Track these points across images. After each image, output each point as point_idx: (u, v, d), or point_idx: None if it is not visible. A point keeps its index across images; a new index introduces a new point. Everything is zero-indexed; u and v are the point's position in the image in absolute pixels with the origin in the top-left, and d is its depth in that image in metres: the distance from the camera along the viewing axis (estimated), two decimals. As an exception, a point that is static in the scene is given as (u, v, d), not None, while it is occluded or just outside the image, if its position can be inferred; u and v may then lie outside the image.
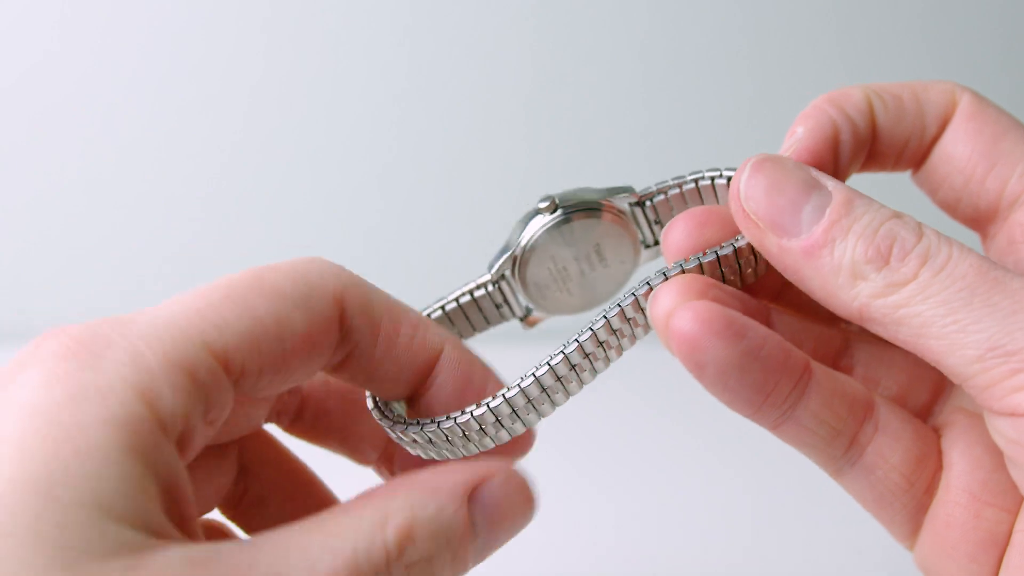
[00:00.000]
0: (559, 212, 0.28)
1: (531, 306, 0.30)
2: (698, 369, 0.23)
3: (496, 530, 0.22)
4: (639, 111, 0.69)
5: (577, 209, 0.28)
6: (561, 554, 0.47)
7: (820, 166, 0.25)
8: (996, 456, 0.24)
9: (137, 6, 0.66)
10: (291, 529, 0.19)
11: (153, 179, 0.69)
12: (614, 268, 0.30)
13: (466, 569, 0.22)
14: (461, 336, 0.30)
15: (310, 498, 0.29)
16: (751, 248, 0.25)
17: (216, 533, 0.27)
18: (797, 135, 0.26)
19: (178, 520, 0.19)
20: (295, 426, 0.28)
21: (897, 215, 0.23)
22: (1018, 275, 0.22)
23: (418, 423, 0.25)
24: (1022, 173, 0.25)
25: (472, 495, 0.22)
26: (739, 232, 0.25)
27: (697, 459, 0.54)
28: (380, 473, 0.29)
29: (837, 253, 0.22)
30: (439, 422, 0.24)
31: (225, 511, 0.28)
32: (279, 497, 0.28)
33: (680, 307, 0.23)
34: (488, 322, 0.30)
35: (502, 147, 0.70)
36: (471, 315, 0.30)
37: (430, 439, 0.25)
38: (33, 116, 0.68)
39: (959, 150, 0.26)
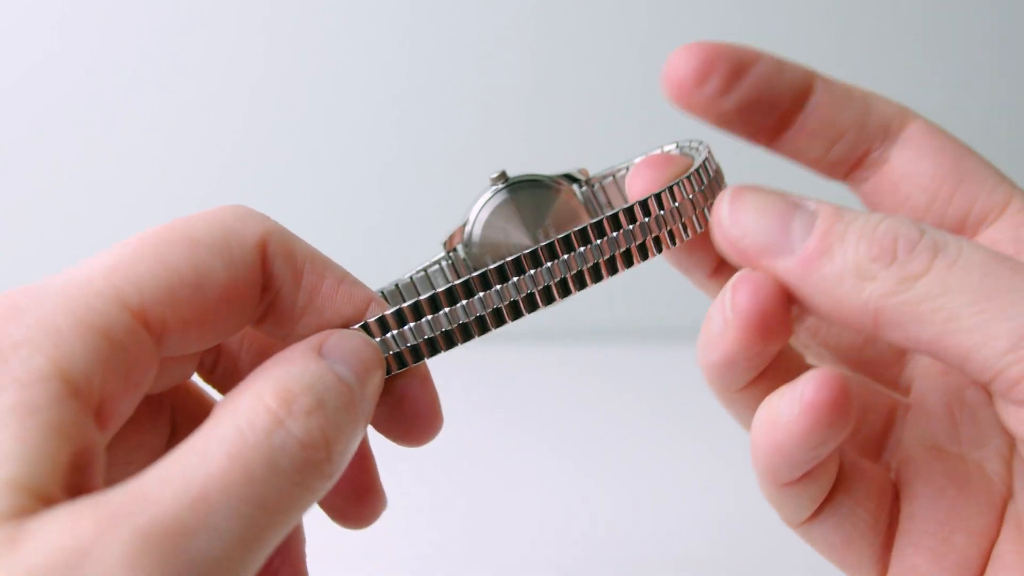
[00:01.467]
0: (507, 185, 0.28)
1: None
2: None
3: (363, 379, 0.22)
4: (639, 111, 0.69)
5: (524, 182, 0.28)
6: (559, 548, 0.48)
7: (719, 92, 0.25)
8: (961, 483, 0.25)
9: (137, 6, 0.66)
10: (176, 446, 0.19)
11: (153, 179, 0.69)
12: None
13: (366, 415, 0.22)
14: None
15: None
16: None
17: None
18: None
19: (83, 488, 0.18)
20: (210, 377, 0.27)
21: (890, 215, 0.22)
22: None
23: None
24: (992, 189, 0.25)
25: (320, 351, 0.22)
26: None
27: (691, 457, 0.54)
28: None
29: (838, 259, 0.21)
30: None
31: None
32: None
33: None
34: None
35: (502, 147, 0.70)
36: (424, 290, 0.29)
37: None
38: (33, 116, 0.68)
39: (923, 166, 0.25)
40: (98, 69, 0.67)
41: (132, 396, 0.20)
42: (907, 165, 0.26)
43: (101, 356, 0.19)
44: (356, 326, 0.23)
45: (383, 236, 0.71)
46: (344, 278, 0.24)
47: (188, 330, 0.21)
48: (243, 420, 0.19)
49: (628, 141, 0.69)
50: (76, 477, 0.18)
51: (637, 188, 0.27)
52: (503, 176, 0.28)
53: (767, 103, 0.26)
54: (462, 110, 0.69)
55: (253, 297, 0.22)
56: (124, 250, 0.20)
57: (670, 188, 0.24)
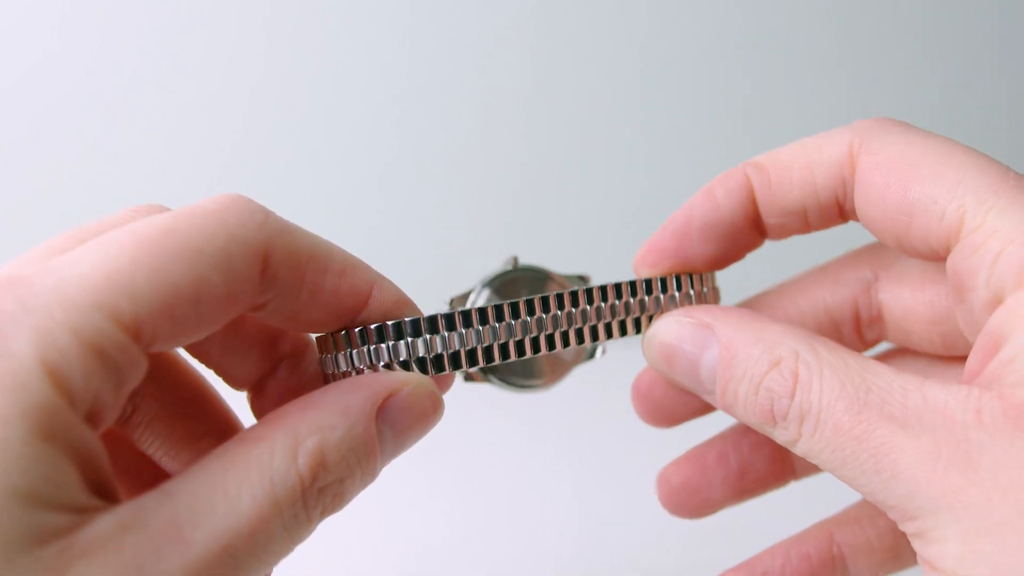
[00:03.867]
0: (516, 270, 0.31)
1: None
2: None
3: (403, 440, 0.23)
4: (639, 111, 0.69)
5: (533, 269, 0.31)
6: (555, 546, 0.48)
7: (682, 250, 0.28)
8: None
9: (137, 6, 0.66)
10: (205, 468, 0.20)
11: (153, 179, 0.69)
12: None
13: (375, 479, 0.22)
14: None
15: (202, 410, 0.27)
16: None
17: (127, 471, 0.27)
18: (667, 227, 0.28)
19: (98, 489, 0.19)
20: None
21: (775, 363, 0.23)
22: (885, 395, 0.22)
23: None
24: (941, 217, 0.23)
25: (381, 409, 0.22)
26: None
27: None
28: (251, 403, 0.27)
29: (741, 415, 0.24)
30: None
31: (115, 429, 0.27)
32: (169, 413, 0.26)
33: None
34: None
35: (502, 147, 0.70)
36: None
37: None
38: (33, 116, 0.68)
39: (873, 213, 0.25)
40: (98, 69, 0.67)
41: (120, 400, 0.20)
42: (863, 210, 0.25)
43: (96, 373, 0.19)
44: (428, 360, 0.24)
45: (383, 235, 0.71)
46: (345, 270, 0.24)
47: (179, 337, 0.21)
48: (276, 477, 0.20)
49: (628, 141, 0.70)
50: (95, 480, 0.19)
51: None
52: (515, 261, 0.31)
53: (725, 235, 0.28)
54: (462, 110, 0.69)
55: (247, 301, 0.22)
56: (122, 258, 0.19)
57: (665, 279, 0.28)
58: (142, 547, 0.18)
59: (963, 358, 0.27)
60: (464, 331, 0.24)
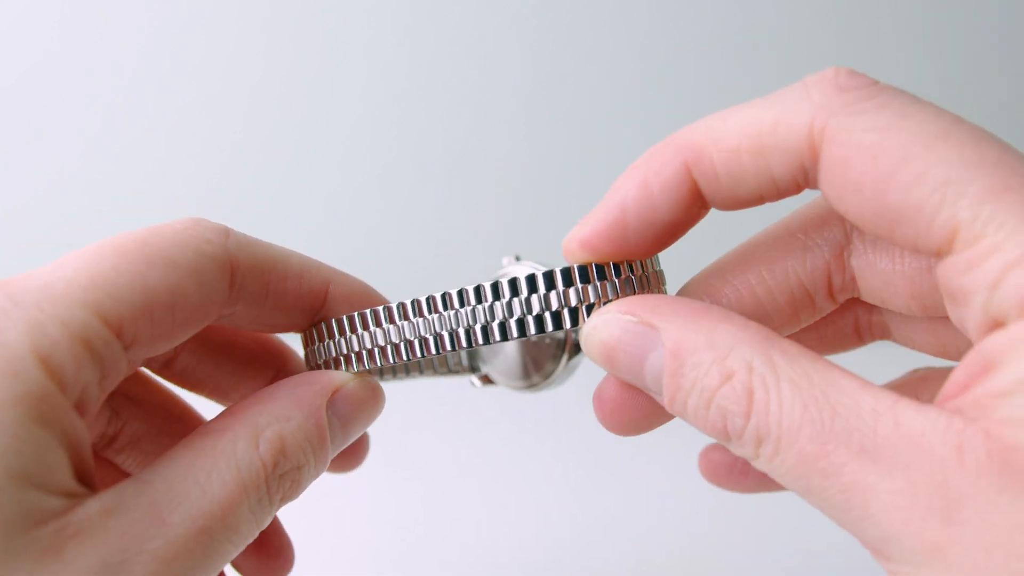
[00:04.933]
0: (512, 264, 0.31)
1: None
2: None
3: (350, 430, 0.25)
4: (639, 111, 0.69)
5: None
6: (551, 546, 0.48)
7: (617, 242, 0.23)
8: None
9: (137, 6, 0.66)
10: (175, 458, 0.22)
11: (153, 179, 0.69)
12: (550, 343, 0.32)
13: (326, 467, 0.24)
14: (420, 372, 0.31)
15: (186, 429, 0.29)
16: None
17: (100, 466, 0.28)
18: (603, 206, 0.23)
19: (83, 477, 0.20)
20: (164, 372, 0.28)
21: (726, 376, 0.20)
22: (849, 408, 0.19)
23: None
24: (929, 225, 0.19)
25: (329, 403, 0.24)
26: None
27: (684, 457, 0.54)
28: None
29: (691, 423, 0.21)
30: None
31: (99, 451, 0.29)
32: (154, 433, 0.28)
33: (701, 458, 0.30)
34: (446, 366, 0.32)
35: (502, 147, 0.70)
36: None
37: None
38: (33, 116, 0.68)
39: (846, 211, 0.21)
40: (98, 69, 0.67)
41: (102, 395, 0.21)
42: (836, 207, 0.21)
43: (84, 364, 0.20)
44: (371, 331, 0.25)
45: (382, 236, 0.71)
46: (302, 272, 0.26)
47: (156, 342, 0.22)
48: (241, 465, 0.22)
49: (628, 141, 0.70)
50: (82, 468, 0.20)
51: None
52: (515, 259, 0.32)
53: (657, 221, 0.23)
54: (462, 110, 0.69)
55: (217, 310, 0.24)
56: (103, 264, 0.21)
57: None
58: (127, 529, 0.19)
59: (945, 318, 0.23)
60: (395, 326, 0.25)
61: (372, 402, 0.25)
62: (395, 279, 0.70)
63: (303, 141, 0.69)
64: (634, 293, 0.24)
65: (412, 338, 0.25)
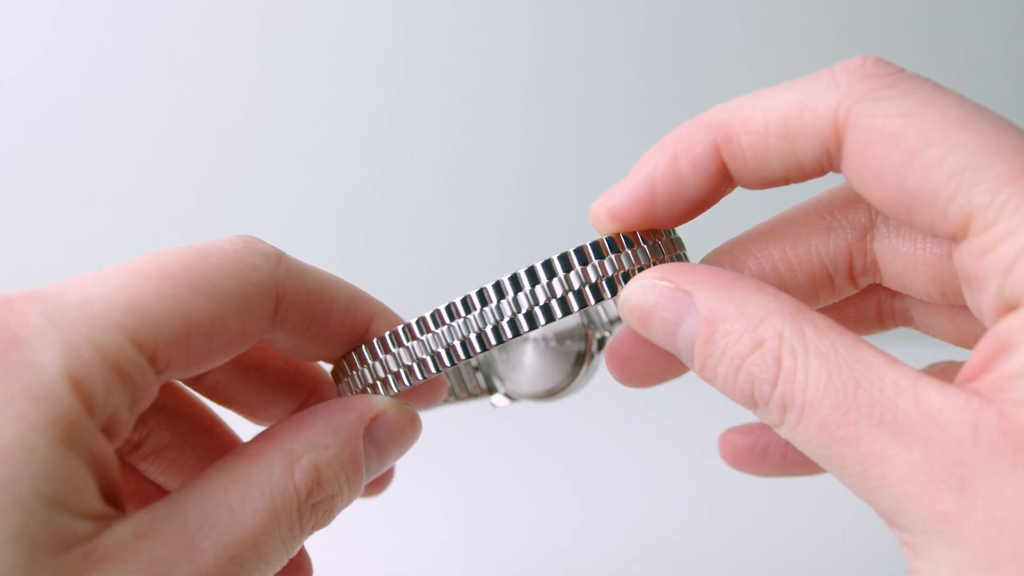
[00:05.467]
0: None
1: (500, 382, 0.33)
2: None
3: (385, 458, 0.24)
4: (639, 111, 0.69)
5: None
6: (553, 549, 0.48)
7: (644, 215, 0.24)
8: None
9: (136, 6, 0.66)
10: (209, 481, 0.21)
11: (150, 178, 0.69)
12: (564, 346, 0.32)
13: (359, 495, 0.24)
14: (444, 400, 0.31)
15: (212, 440, 0.28)
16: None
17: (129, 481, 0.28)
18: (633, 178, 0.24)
19: (112, 499, 0.20)
20: (193, 384, 0.28)
21: (757, 344, 0.21)
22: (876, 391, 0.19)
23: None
24: (944, 212, 0.20)
25: (367, 430, 0.24)
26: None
27: (685, 457, 0.54)
28: None
29: (719, 389, 0.22)
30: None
31: (123, 456, 0.28)
32: (179, 443, 0.28)
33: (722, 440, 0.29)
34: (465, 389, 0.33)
35: (502, 147, 0.70)
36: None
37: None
38: (31, 115, 0.68)
39: (868, 196, 0.21)
40: (96, 68, 0.67)
41: (132, 419, 0.21)
42: (859, 191, 0.22)
43: (115, 389, 0.20)
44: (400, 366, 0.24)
45: (382, 236, 0.71)
46: (348, 306, 0.25)
47: (191, 367, 0.22)
48: (276, 492, 0.21)
49: (628, 141, 0.70)
50: (110, 490, 0.20)
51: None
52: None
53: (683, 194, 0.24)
54: (461, 110, 0.69)
55: (260, 335, 0.23)
56: (144, 286, 0.20)
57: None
58: (156, 554, 0.19)
59: (965, 306, 0.24)
60: (432, 333, 0.24)
61: (409, 429, 0.25)
62: (393, 278, 0.70)
63: (302, 141, 0.69)
64: (661, 258, 0.25)
65: (469, 333, 0.24)
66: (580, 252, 0.24)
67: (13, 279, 0.70)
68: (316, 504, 0.22)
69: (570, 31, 0.68)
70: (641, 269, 0.24)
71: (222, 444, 0.28)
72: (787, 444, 0.30)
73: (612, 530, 0.49)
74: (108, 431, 0.20)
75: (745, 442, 0.30)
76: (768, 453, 0.30)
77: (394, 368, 0.25)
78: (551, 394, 0.32)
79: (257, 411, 0.28)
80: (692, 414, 0.53)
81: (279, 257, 0.23)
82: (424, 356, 0.24)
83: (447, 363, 0.24)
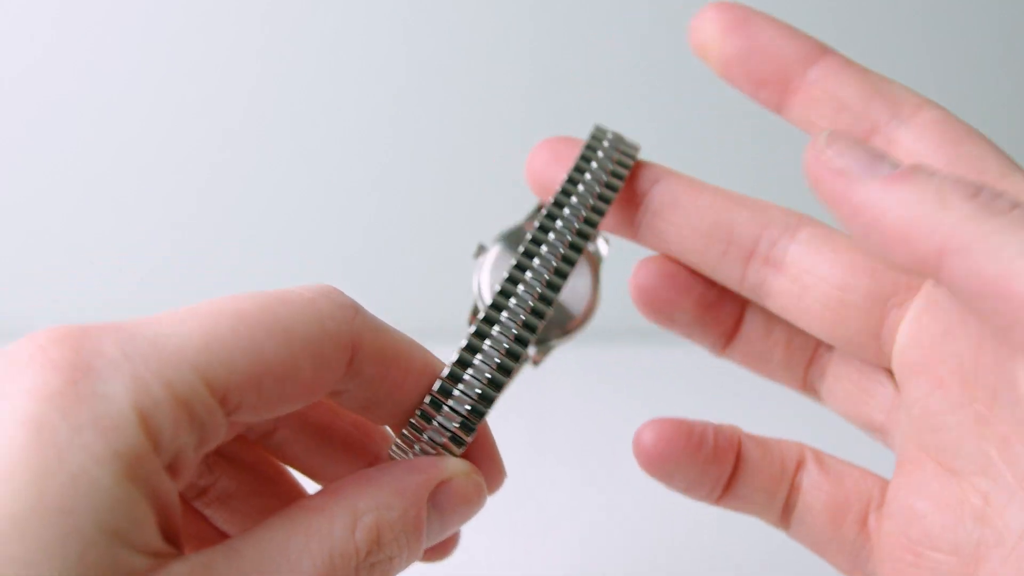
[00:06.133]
0: (485, 250, 0.32)
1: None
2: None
3: (447, 526, 0.24)
4: (639, 110, 0.69)
5: (502, 237, 0.31)
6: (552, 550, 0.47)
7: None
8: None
9: (136, 6, 0.66)
10: (269, 530, 0.21)
11: (150, 178, 0.69)
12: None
13: (418, 559, 0.23)
14: None
15: (277, 490, 0.28)
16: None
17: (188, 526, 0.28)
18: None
19: (171, 538, 0.20)
20: (261, 441, 0.28)
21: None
22: None
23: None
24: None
25: (432, 495, 0.23)
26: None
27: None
28: None
29: (921, 183, 0.21)
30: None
31: (187, 500, 0.28)
32: (245, 492, 0.28)
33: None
34: None
35: (502, 147, 0.70)
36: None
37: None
38: (30, 115, 0.68)
39: (923, 148, 0.26)
40: (97, 69, 0.67)
41: (197, 459, 0.21)
42: (911, 146, 0.25)
43: (183, 428, 0.19)
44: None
45: (382, 236, 0.71)
46: (424, 369, 0.25)
47: (261, 411, 0.21)
48: (335, 549, 0.21)
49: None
50: (170, 529, 0.20)
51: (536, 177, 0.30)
52: (481, 248, 0.32)
53: (774, 62, 0.28)
54: (461, 110, 0.69)
55: (332, 386, 0.23)
56: (220, 327, 0.20)
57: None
58: None
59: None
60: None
61: (475, 499, 0.25)
62: (395, 279, 0.70)
63: (302, 141, 0.69)
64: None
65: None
66: (565, 191, 0.28)
67: (13, 279, 0.70)
68: (374, 564, 0.22)
69: (570, 31, 0.68)
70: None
71: (287, 495, 0.28)
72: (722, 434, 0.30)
73: (612, 530, 0.49)
74: (173, 469, 0.20)
75: (678, 431, 0.30)
76: (704, 443, 0.30)
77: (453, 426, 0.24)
78: (578, 325, 0.32)
79: (319, 473, 0.28)
80: (692, 414, 0.54)
81: (356, 309, 0.23)
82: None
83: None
